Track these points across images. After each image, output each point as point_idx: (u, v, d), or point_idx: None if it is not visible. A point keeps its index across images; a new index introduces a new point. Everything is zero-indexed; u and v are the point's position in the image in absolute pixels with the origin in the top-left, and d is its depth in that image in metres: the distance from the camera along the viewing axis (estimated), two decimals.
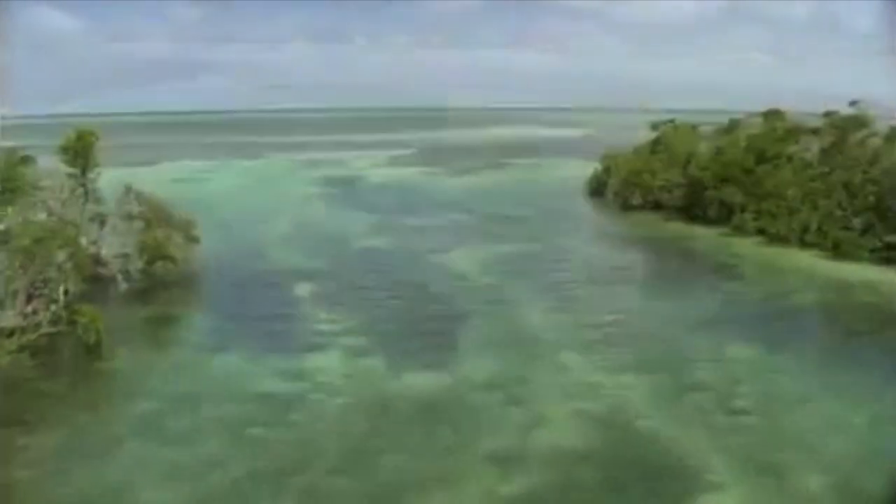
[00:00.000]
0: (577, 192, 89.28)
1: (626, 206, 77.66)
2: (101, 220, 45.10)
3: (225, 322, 39.22)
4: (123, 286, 43.84)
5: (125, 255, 44.08)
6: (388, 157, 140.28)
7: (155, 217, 47.00)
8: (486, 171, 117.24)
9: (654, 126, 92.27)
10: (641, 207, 76.73)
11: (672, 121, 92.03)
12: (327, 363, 33.38)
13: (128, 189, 47.24)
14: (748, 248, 58.18)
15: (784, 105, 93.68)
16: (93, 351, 34.23)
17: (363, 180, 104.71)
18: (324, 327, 38.08)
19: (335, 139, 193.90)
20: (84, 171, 46.07)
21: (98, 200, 46.97)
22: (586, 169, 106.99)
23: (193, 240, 49.12)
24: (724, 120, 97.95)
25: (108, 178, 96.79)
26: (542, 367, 32.78)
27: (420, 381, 31.30)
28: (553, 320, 39.12)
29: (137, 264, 44.47)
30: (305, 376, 31.98)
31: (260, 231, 64.54)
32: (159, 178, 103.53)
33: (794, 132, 75.16)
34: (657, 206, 76.38)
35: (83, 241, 42.99)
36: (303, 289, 45.27)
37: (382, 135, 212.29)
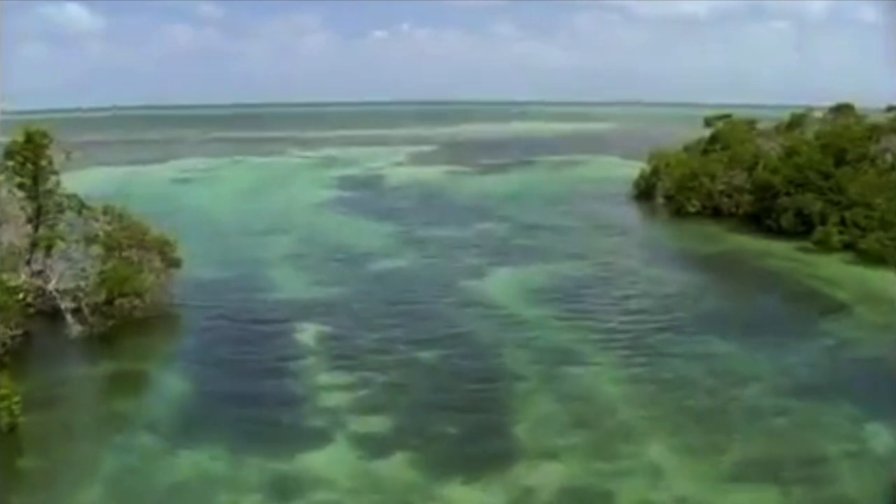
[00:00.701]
0: (619, 194, 79.80)
1: (681, 213, 68.04)
2: (47, 245, 35.49)
3: (199, 386, 29.55)
4: (76, 330, 33.98)
5: (79, 290, 34.63)
6: (408, 154, 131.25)
7: (124, 237, 37.82)
8: (515, 169, 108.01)
9: (708, 122, 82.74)
10: (698, 215, 67.20)
11: (728, 116, 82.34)
12: (331, 465, 23.48)
13: (80, 204, 37.68)
14: (838, 269, 48.28)
15: (808, 100, 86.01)
16: (6, 440, 24.52)
17: (382, 181, 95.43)
18: (330, 399, 28.15)
19: (353, 134, 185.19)
20: (36, 182, 36.69)
21: (56, 217, 37.57)
22: (622, 167, 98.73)
23: (174, 263, 39.87)
24: (754, 115, 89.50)
25: (111, 178, 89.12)
26: (630, 471, 23.00)
27: (464, 499, 21.76)
28: (630, 387, 29.27)
29: (96, 300, 35.01)
30: (299, 490, 22.16)
31: (262, 246, 55.05)
32: (162, 178, 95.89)
33: (876, 130, 65.46)
34: (716, 214, 66.93)
35: (24, 272, 33.81)
36: (306, 333, 35.36)
37: (402, 130, 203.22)
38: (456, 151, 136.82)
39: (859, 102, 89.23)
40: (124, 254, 37.60)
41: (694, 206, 68.17)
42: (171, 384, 30.07)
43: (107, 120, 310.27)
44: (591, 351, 33.04)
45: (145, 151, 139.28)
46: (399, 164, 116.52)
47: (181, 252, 41.04)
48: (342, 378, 29.79)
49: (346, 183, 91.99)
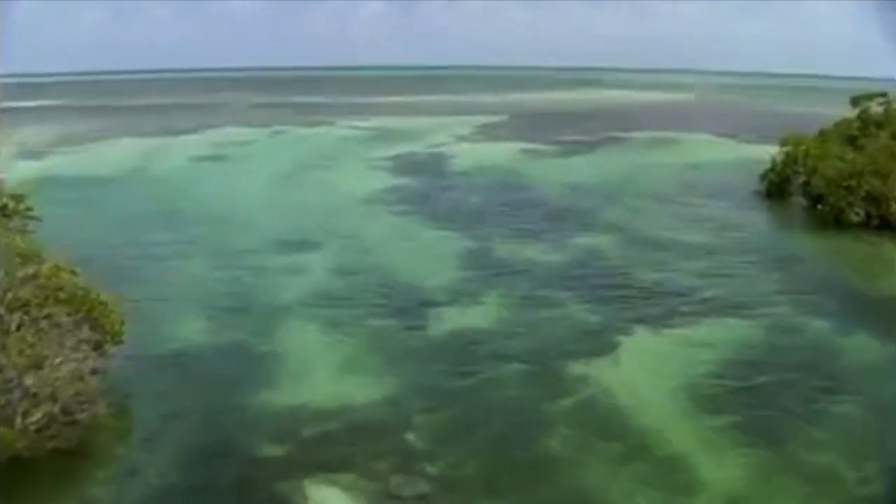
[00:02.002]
0: (738, 188, 63.81)
1: (839, 223, 51.38)
2: None
3: None
4: None
5: None
6: (474, 125, 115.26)
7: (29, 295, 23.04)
8: (601, 149, 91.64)
9: (856, 101, 64.86)
10: (861, 226, 50.69)
11: (884, 94, 64.38)
12: None
13: None
14: None
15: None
16: None
17: (446, 163, 79.27)
18: None
19: (411, 101, 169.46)
20: None
21: None
22: (722, 148, 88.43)
23: (112, 339, 24.94)
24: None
25: (132, 154, 73.94)
26: None
27: None
28: None
29: None
30: None
31: (280, 275, 38.15)
32: (189, 154, 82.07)
33: None
34: (883, 225, 50.37)
35: None
36: None
37: (465, 96, 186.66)
38: (528, 123, 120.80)
39: None
40: (34, 315, 22.79)
41: (857, 214, 51.53)
42: None
43: (158, 83, 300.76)
44: None
45: (183, 118, 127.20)
46: (464, 138, 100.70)
47: (162, 289, 26.48)
48: None
49: (402, 165, 76.52)
